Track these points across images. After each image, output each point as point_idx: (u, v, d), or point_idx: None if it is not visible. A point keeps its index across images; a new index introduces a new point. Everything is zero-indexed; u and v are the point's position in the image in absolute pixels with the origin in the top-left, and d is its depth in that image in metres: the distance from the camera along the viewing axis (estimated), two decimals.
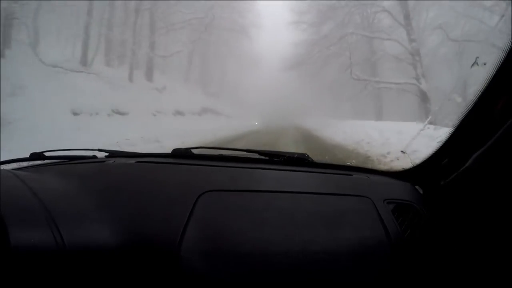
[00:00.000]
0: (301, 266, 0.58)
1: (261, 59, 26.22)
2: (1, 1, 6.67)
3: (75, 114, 7.05)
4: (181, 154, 0.93)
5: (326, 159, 1.15)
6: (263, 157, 0.93)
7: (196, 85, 20.21)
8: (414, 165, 0.81)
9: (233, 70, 24.19)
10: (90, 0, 10.52)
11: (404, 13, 11.26)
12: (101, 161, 0.91)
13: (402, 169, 0.85)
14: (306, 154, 0.93)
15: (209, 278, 0.55)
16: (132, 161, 0.88)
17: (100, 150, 0.98)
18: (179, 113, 12.95)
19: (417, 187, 0.79)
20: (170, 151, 0.94)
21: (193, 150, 0.94)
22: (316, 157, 0.96)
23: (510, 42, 0.49)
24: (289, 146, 7.44)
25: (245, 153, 0.95)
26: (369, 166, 0.94)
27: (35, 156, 0.89)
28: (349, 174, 0.87)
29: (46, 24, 10.10)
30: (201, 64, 21.38)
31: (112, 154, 0.97)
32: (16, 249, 0.46)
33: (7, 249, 0.45)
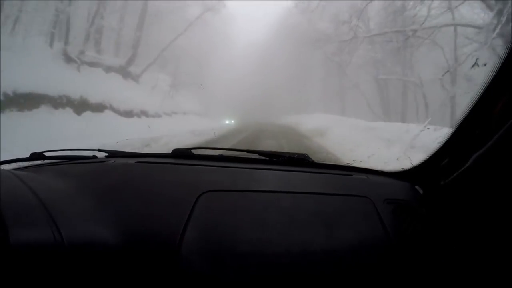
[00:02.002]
0: (301, 266, 0.57)
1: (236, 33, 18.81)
2: None
3: None
4: (181, 154, 0.93)
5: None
6: (263, 157, 0.93)
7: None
8: (414, 165, 0.81)
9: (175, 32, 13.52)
10: None
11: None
12: (101, 161, 0.91)
13: (402, 169, 0.85)
14: (306, 154, 0.93)
15: (209, 278, 0.55)
16: (132, 161, 0.88)
17: (100, 150, 0.98)
18: None
19: (417, 187, 0.79)
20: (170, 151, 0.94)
21: (193, 150, 0.94)
22: None
23: (510, 42, 0.49)
24: None
25: (245, 153, 0.95)
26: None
27: (35, 156, 0.90)
28: (349, 174, 0.87)
29: None
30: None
31: (112, 154, 0.97)
32: (16, 249, 0.46)
33: (7, 248, 0.45)
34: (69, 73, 8.71)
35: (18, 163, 0.91)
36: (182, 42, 13.79)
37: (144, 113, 10.90)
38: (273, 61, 20.95)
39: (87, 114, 8.20)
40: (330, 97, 18.01)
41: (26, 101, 6.38)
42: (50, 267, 0.48)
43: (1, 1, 6.71)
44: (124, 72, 11.84)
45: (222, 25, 17.39)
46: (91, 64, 10.24)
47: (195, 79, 15.58)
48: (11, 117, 5.73)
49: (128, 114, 9.91)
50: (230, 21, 18.70)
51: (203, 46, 15.89)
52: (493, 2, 7.03)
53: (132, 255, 0.56)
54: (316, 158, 0.92)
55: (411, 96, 13.19)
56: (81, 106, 8.04)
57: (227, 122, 15.92)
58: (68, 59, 9.15)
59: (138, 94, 11.28)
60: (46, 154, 0.90)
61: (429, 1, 9.51)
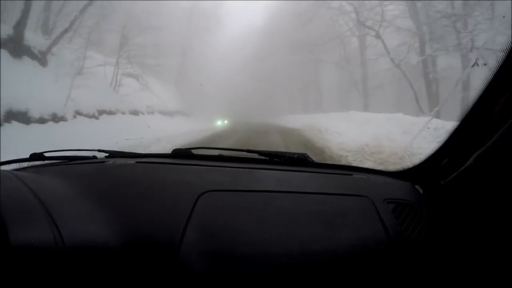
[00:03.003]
0: (301, 266, 0.57)
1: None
2: None
3: None
4: (181, 154, 0.93)
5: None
6: (263, 157, 0.93)
7: None
8: (414, 165, 0.81)
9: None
10: None
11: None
12: (101, 161, 0.91)
13: (402, 169, 0.85)
14: (306, 154, 0.93)
15: (209, 278, 0.55)
16: (132, 161, 0.88)
17: (100, 150, 0.98)
18: None
19: (417, 187, 0.79)
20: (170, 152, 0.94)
21: (193, 150, 0.94)
22: None
23: (510, 42, 0.49)
24: None
25: (245, 153, 0.95)
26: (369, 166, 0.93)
27: (35, 156, 0.90)
28: (349, 174, 0.87)
29: None
30: None
31: (112, 154, 0.97)
32: (16, 249, 0.46)
33: (7, 249, 0.45)
34: None
35: (18, 164, 0.91)
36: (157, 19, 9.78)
37: (16, 116, 5.79)
38: (274, 45, 16.60)
39: None
40: (346, 88, 14.13)
41: None
42: (50, 268, 0.48)
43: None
44: (15, 46, 7.05)
45: (212, 6, 14.60)
46: None
47: (167, 65, 11.27)
48: None
49: None
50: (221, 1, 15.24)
51: (186, 29, 12.20)
52: None
53: (132, 255, 0.56)
54: None
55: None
56: None
57: (219, 123, 12.52)
58: None
59: (31, 83, 6.61)
60: (46, 154, 0.90)
61: None
